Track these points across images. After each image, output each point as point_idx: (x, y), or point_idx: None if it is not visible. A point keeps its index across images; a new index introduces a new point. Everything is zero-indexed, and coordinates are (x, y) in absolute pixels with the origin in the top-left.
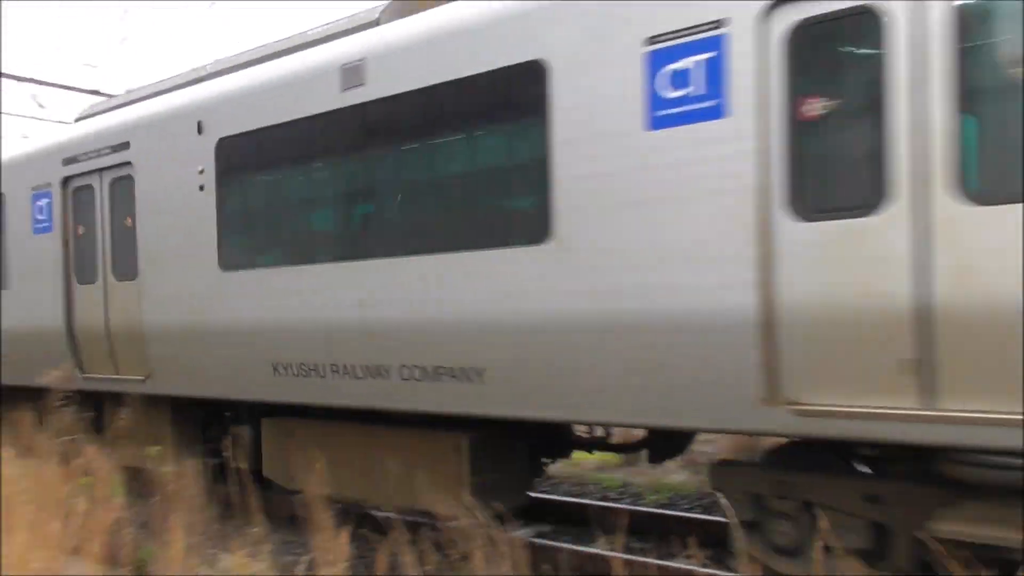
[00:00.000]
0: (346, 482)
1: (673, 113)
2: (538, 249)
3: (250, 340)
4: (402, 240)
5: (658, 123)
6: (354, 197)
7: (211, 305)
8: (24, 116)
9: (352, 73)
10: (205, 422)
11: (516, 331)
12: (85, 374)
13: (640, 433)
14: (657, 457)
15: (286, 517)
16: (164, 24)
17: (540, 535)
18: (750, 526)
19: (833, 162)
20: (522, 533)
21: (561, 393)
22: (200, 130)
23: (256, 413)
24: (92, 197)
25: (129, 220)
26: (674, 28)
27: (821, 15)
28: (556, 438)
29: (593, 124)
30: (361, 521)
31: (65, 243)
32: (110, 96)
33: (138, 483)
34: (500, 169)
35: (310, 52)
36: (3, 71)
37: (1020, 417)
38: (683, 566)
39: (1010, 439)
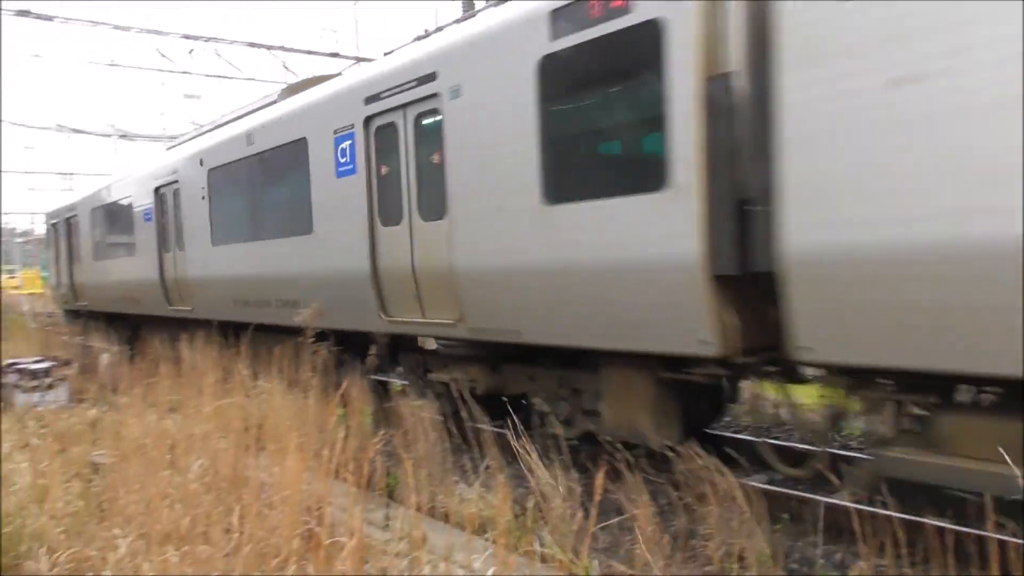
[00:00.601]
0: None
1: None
2: None
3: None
4: None
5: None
6: None
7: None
8: (276, 81)
9: None
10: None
11: None
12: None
13: None
14: None
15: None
16: None
17: (772, 483)
18: None
19: (387, 198)
20: (755, 480)
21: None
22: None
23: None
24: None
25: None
26: (342, 125)
27: (380, 124)
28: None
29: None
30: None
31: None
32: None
33: (387, 415)
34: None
35: None
36: (258, 42)
37: (449, 322)
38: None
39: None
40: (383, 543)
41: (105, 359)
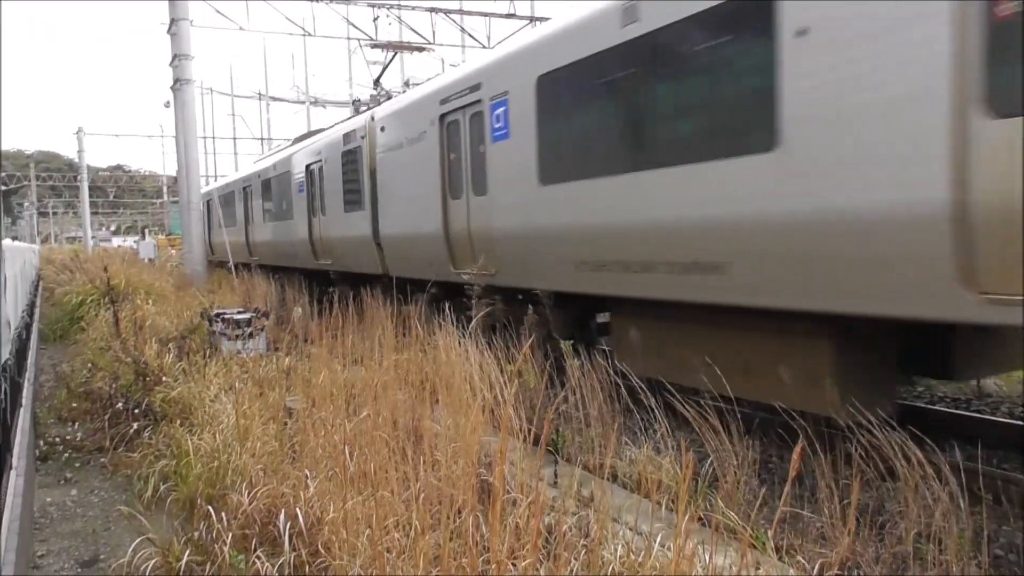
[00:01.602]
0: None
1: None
2: None
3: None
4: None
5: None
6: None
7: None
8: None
9: None
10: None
11: None
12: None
13: None
14: None
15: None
16: None
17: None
18: None
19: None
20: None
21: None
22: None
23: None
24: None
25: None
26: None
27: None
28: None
29: None
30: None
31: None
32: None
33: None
34: None
35: None
36: (438, 7)
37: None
38: None
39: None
40: (552, 500)
41: (297, 312)
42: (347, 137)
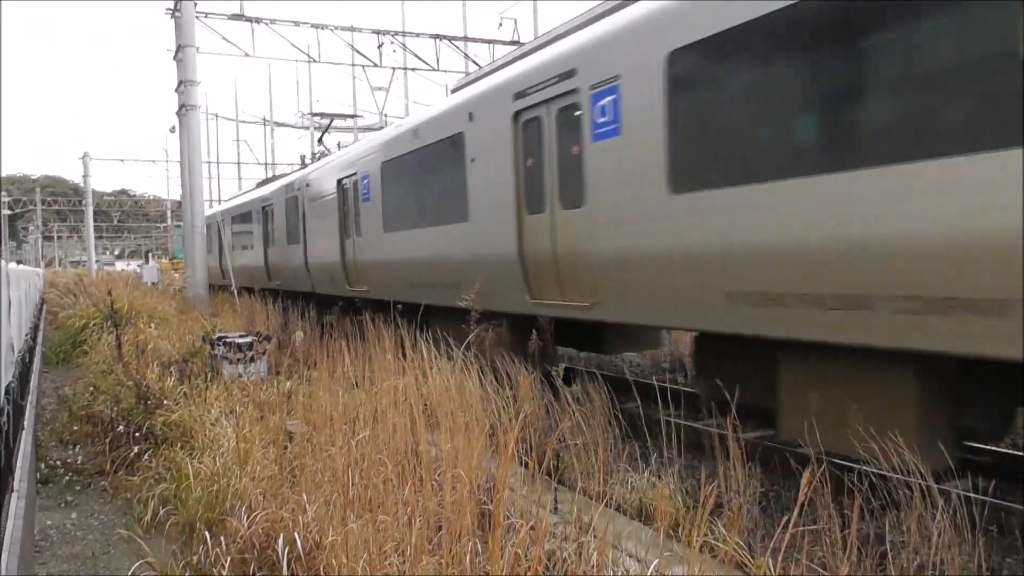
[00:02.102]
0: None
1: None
2: None
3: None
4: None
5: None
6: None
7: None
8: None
9: None
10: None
11: None
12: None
13: None
14: None
15: (689, 442)
16: None
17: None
18: None
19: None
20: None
21: None
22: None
23: None
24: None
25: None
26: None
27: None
28: None
29: None
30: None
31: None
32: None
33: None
34: None
35: None
36: (442, 34)
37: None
38: None
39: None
40: (552, 526)
41: (299, 337)
42: (288, 187)
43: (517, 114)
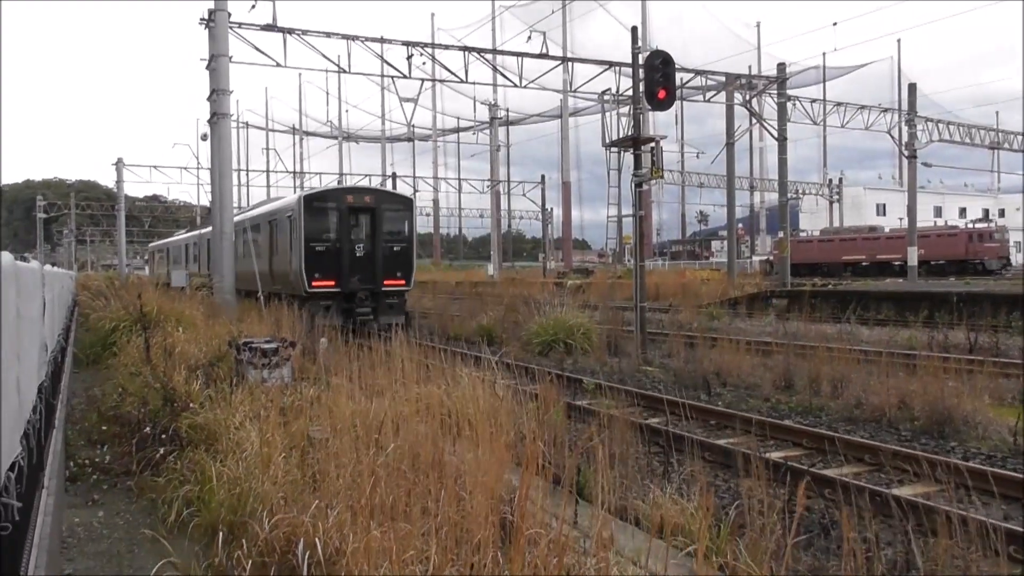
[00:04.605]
0: None
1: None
2: None
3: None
4: None
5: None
6: None
7: None
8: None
9: None
10: None
11: None
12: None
13: None
14: None
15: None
16: None
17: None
18: None
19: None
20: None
21: None
22: None
23: None
24: (279, 224)
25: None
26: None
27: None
28: None
29: None
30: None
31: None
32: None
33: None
34: None
35: None
36: (471, 47)
37: None
38: None
39: None
40: (572, 540)
41: (323, 344)
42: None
43: (271, 222)
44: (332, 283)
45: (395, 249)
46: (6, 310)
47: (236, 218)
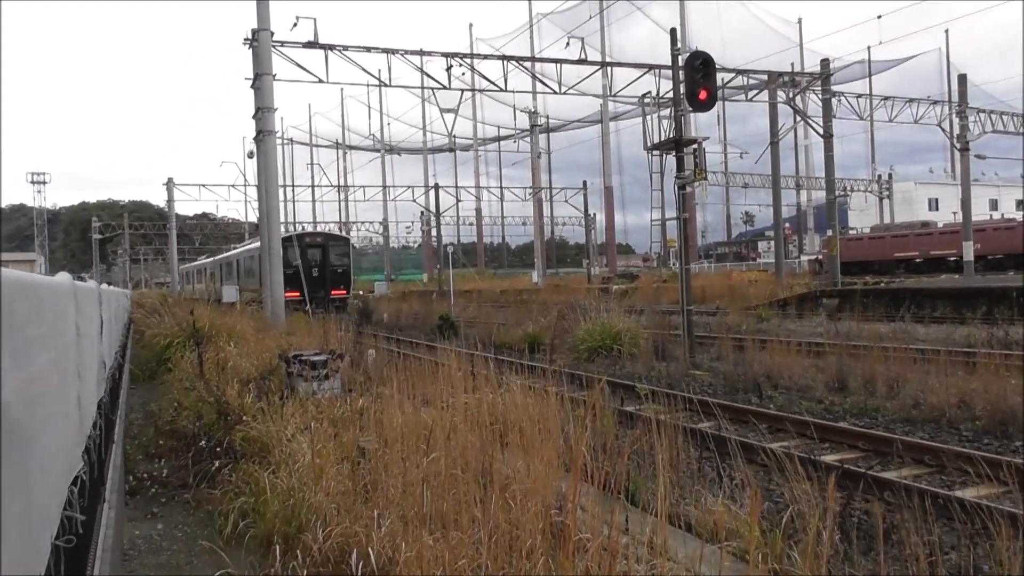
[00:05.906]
0: None
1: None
2: None
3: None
4: None
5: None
6: None
7: None
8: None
9: None
10: None
11: None
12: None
13: None
14: None
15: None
16: None
17: None
18: None
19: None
20: None
21: None
22: None
23: None
24: (243, 263)
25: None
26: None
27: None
28: None
29: None
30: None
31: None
32: None
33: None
34: None
35: None
36: (509, 55)
37: None
38: None
39: None
40: (623, 547)
41: (371, 355)
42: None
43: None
44: (297, 293)
45: (339, 271)
46: (67, 330)
47: (236, 251)
